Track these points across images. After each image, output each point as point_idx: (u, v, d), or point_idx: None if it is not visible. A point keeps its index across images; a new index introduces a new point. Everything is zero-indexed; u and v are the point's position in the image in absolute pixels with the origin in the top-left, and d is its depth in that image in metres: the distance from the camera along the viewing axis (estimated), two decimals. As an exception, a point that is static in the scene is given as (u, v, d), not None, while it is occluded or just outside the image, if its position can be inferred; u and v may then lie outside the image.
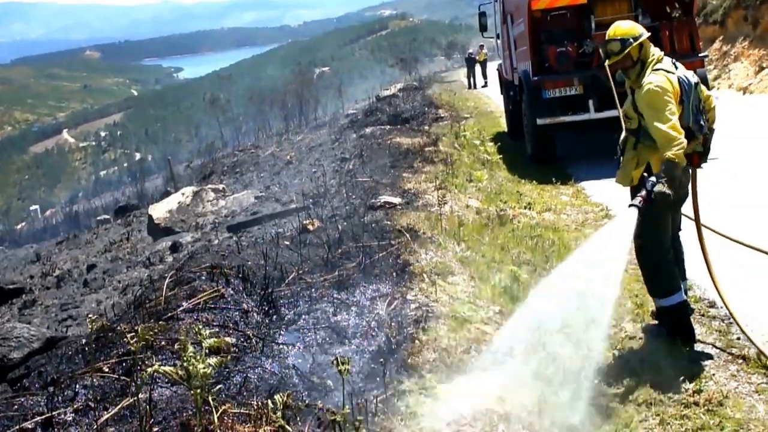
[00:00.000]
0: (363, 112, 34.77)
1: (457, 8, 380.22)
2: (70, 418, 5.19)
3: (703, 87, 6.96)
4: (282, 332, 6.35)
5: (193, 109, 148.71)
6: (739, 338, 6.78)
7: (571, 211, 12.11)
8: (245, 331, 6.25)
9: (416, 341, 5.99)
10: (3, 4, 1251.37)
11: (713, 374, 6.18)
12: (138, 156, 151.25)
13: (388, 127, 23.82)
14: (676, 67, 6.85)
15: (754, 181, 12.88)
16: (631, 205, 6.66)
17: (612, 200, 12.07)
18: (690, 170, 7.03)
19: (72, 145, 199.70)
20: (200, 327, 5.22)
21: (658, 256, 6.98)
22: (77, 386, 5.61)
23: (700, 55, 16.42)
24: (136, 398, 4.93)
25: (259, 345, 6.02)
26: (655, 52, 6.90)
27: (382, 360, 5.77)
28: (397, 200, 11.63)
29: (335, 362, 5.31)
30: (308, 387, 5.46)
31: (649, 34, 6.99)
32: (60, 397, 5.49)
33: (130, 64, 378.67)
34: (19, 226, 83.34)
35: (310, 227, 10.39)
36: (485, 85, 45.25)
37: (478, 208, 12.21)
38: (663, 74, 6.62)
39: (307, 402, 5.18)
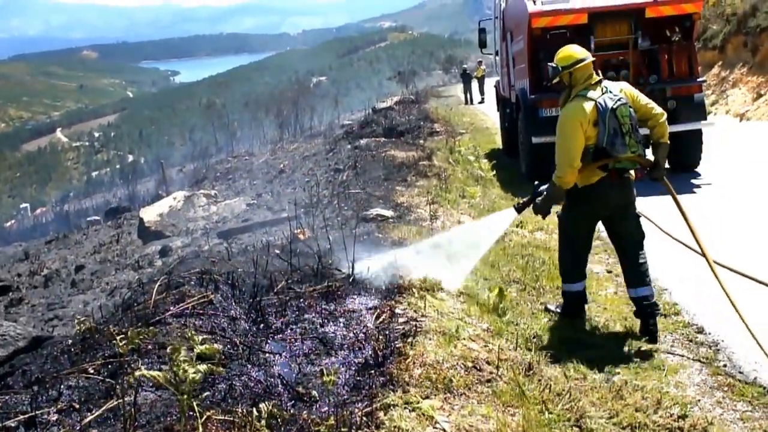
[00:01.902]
0: (358, 123, 34.86)
1: (457, 23, 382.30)
2: (54, 418, 5.16)
3: (651, 107, 7.72)
4: (269, 341, 6.35)
5: (188, 113, 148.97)
6: (725, 365, 6.79)
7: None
8: (232, 338, 6.25)
9: (403, 355, 5.99)
10: (3, 0, 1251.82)
11: (699, 400, 6.17)
12: (131, 158, 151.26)
13: (383, 139, 23.88)
14: (606, 91, 7.50)
15: (748, 206, 13.06)
16: (514, 206, 8.53)
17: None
18: (622, 184, 7.81)
19: (65, 145, 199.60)
20: (192, 332, 5.23)
21: (565, 242, 8.25)
22: (62, 386, 5.57)
23: (698, 79, 16.52)
24: (121, 401, 4.93)
25: (245, 353, 6.01)
26: (588, 77, 7.63)
27: (367, 373, 5.77)
28: (389, 213, 11.66)
29: (321, 373, 5.33)
30: (293, 397, 5.43)
31: (590, 60, 7.67)
32: (44, 397, 5.46)
33: (127, 66, 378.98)
34: (8, 224, 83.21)
35: (301, 237, 10.41)
36: (482, 102, 45.46)
37: (469, 224, 12.26)
38: (579, 102, 7.46)
39: (291, 412, 5.15)
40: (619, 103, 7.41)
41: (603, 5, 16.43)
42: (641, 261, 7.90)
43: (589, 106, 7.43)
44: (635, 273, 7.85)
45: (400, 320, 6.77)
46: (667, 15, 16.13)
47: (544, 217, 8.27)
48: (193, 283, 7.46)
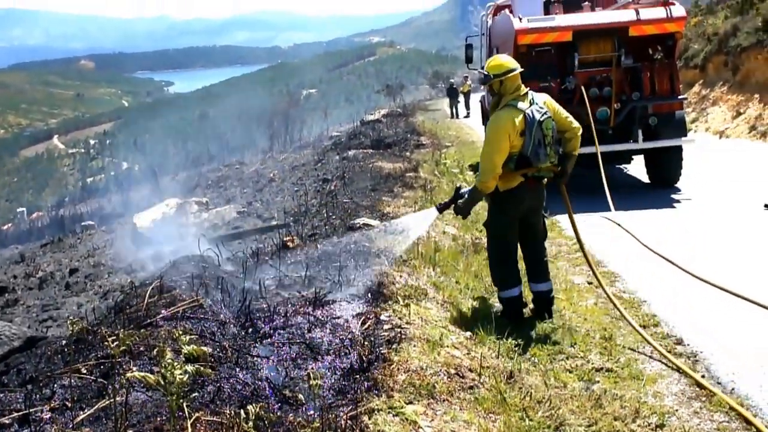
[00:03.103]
0: (347, 135, 34.99)
1: (444, 39, 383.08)
2: (47, 416, 5.23)
3: (570, 121, 8.22)
4: (257, 345, 6.44)
5: (181, 122, 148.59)
6: (704, 376, 6.84)
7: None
8: (221, 341, 6.34)
9: (388, 361, 6.09)
10: (4, 10, 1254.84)
11: (676, 410, 6.22)
12: (125, 165, 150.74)
13: (371, 151, 24.03)
14: (533, 103, 7.86)
15: (726, 221, 13.30)
16: (435, 206, 8.98)
17: (586, 233, 12.26)
18: (537, 188, 8.34)
19: (62, 151, 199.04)
20: (180, 334, 5.34)
21: (498, 251, 8.53)
22: (55, 385, 5.65)
23: (679, 97, 16.66)
24: (113, 401, 5.03)
25: (234, 356, 6.10)
26: (517, 88, 7.94)
27: (353, 377, 5.88)
28: (375, 222, 11.77)
29: (308, 377, 5.43)
30: (280, 400, 5.53)
31: (519, 71, 7.99)
32: (38, 395, 5.54)
33: (123, 76, 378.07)
34: (5, 227, 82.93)
35: (290, 244, 10.52)
36: (467, 116, 45.62)
37: (454, 235, 12.38)
38: (508, 111, 7.80)
39: (278, 414, 5.26)
40: (545, 116, 7.89)
41: (587, 23, 16.57)
42: (545, 258, 8.75)
43: (518, 116, 7.79)
44: (538, 268, 8.60)
45: (385, 327, 6.88)
46: (649, 34, 16.25)
47: (464, 218, 8.80)
48: (184, 287, 7.57)
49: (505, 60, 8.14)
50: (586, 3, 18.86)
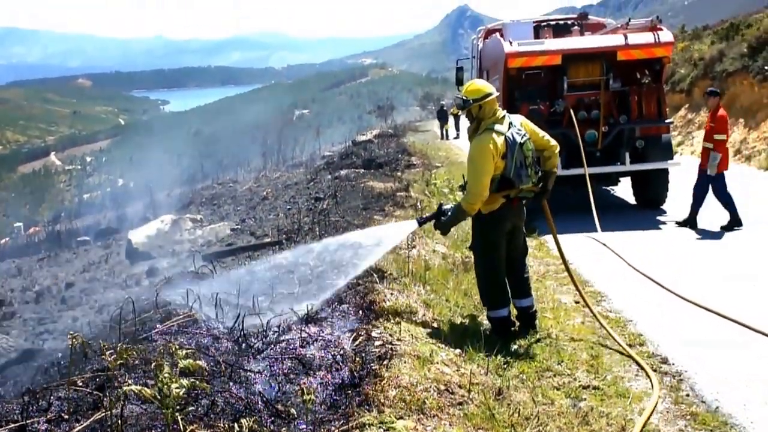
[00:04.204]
0: (339, 154, 35.00)
1: (435, 62, 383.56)
2: (44, 428, 5.31)
3: (547, 139, 8.45)
4: (250, 360, 6.52)
5: (176, 140, 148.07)
6: (688, 395, 6.95)
7: (533, 263, 12.31)
8: (215, 356, 6.42)
9: (379, 377, 6.17)
10: (4, 29, 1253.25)
11: (661, 429, 6.31)
12: (121, 182, 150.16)
13: (363, 170, 24.14)
14: (512, 126, 8.06)
15: (710, 241, 13.68)
16: (417, 220, 9.03)
17: (572, 254, 12.39)
18: (518, 208, 8.49)
19: (58, 168, 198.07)
20: (176, 348, 5.42)
21: (486, 271, 8.62)
22: (51, 397, 5.72)
23: (666, 121, 16.84)
24: (109, 413, 5.11)
25: (227, 370, 6.18)
26: (495, 112, 8.10)
27: (344, 393, 5.96)
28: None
29: (300, 392, 5.51)
30: (272, 414, 5.60)
31: (497, 95, 8.21)
32: (34, 407, 5.61)
33: (119, 94, 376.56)
34: (2, 242, 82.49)
35: (278, 255, 10.62)
36: (457, 137, 45.78)
37: (444, 253, 12.47)
38: (490, 135, 7.93)
39: (271, 428, 5.34)
40: (525, 138, 8.07)
41: (576, 47, 16.78)
42: (526, 275, 8.89)
43: (500, 140, 7.97)
44: (521, 285, 8.76)
45: (376, 343, 6.95)
46: (637, 58, 16.41)
47: (444, 235, 9.12)
48: (178, 302, 7.66)
49: (482, 85, 8.32)
50: (576, 27, 19.10)
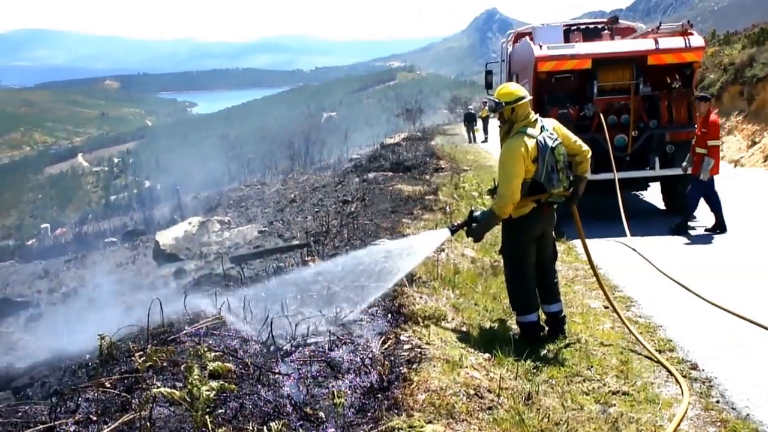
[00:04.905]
0: (367, 157, 35.00)
1: (463, 66, 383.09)
2: (72, 429, 5.29)
3: (579, 144, 8.41)
4: (278, 362, 6.51)
5: (203, 143, 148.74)
6: (719, 401, 6.88)
7: (562, 267, 12.22)
8: (244, 358, 6.41)
9: (407, 381, 6.15)
10: (30, 31, 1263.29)
11: (692, 434, 6.22)
12: (148, 184, 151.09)
13: (391, 173, 24.15)
14: (543, 130, 8.03)
15: (739, 247, 13.57)
16: (448, 227, 8.97)
17: (602, 259, 12.33)
18: (549, 213, 8.47)
19: (86, 169, 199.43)
20: (205, 350, 5.41)
21: (516, 277, 8.61)
22: (80, 399, 5.72)
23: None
24: (137, 415, 5.10)
25: (256, 373, 6.16)
26: (527, 115, 8.09)
27: (373, 396, 5.94)
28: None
29: (330, 395, 5.49)
30: (301, 417, 5.59)
31: (529, 98, 8.18)
32: (62, 408, 5.60)
33: (146, 96, 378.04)
34: (29, 243, 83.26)
35: (311, 264, 10.60)
36: (485, 141, 45.64)
37: (473, 257, 12.45)
38: (521, 138, 7.90)
39: None
40: (556, 142, 8.03)
41: (606, 52, 16.68)
42: (555, 280, 8.90)
43: (531, 143, 7.94)
44: (550, 290, 8.75)
45: (405, 347, 6.94)
46: (668, 63, 16.29)
47: (476, 241, 9.20)
48: (206, 304, 7.65)
49: (515, 88, 8.28)
50: (606, 31, 18.99)
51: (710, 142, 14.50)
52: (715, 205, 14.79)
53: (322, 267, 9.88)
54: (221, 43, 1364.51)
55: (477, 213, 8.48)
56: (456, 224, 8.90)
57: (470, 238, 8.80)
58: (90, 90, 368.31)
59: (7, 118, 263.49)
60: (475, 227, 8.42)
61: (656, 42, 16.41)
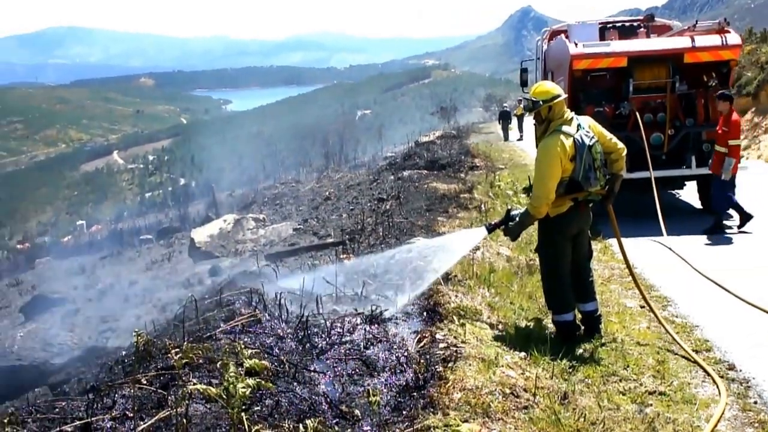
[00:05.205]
0: (401, 155, 34.97)
1: (497, 63, 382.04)
2: (108, 425, 5.34)
3: (615, 142, 8.37)
4: (314, 360, 6.52)
5: (238, 140, 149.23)
6: (756, 402, 6.83)
7: (597, 266, 12.16)
8: (279, 356, 6.42)
9: (443, 379, 6.15)
10: (66, 29, 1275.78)
11: (730, 435, 6.17)
12: (182, 181, 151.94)
13: (425, 171, 24.10)
14: (580, 128, 8.00)
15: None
16: (485, 226, 8.92)
17: (638, 258, 12.26)
18: (585, 212, 8.43)
19: (121, 166, 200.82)
20: (241, 348, 5.42)
21: (552, 275, 8.56)
22: (116, 395, 5.77)
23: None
24: (175, 412, 5.13)
25: (291, 371, 6.18)
26: (563, 114, 8.05)
27: (408, 395, 5.94)
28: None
29: (365, 393, 5.50)
30: (336, 415, 5.60)
31: (565, 97, 8.16)
32: (99, 405, 5.65)
33: (181, 93, 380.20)
34: (65, 239, 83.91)
35: (347, 261, 10.62)
36: (520, 139, 45.38)
37: (508, 256, 12.41)
38: (558, 137, 7.86)
39: (336, 430, 5.34)
40: (593, 140, 8.01)
41: (643, 50, 16.59)
42: (591, 279, 8.83)
43: (568, 141, 7.93)
44: (585, 289, 8.68)
45: (441, 345, 6.94)
46: (705, 61, 16.15)
47: (513, 240, 9.10)
48: (242, 302, 7.68)
49: (551, 86, 8.28)
50: (642, 29, 18.86)
51: (731, 142, 14.41)
52: (725, 206, 14.78)
53: (358, 264, 9.90)
54: (255, 40, 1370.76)
55: (514, 212, 8.46)
56: (493, 223, 8.88)
57: (507, 237, 8.77)
58: (125, 87, 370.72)
59: (43, 115, 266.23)
60: (511, 226, 8.41)
61: (693, 40, 16.28)
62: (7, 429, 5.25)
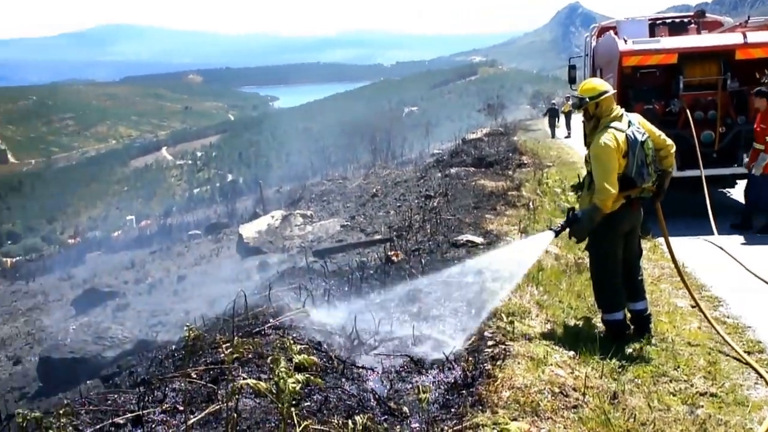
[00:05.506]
0: (448, 152, 34.83)
1: (545, 60, 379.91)
2: (159, 418, 5.43)
3: (664, 138, 8.26)
4: (362, 356, 6.54)
5: (285, 136, 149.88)
6: None
7: (647, 265, 11.99)
8: (328, 352, 6.45)
9: (492, 377, 6.13)
10: (116, 26, 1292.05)
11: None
12: (230, 177, 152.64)
13: (473, 169, 24.02)
14: (631, 124, 7.92)
15: None
16: (550, 229, 8.62)
17: (688, 257, 12.14)
18: (637, 209, 8.36)
19: (169, 162, 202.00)
20: (291, 343, 5.45)
21: (603, 274, 8.44)
22: (166, 388, 5.84)
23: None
24: (225, 406, 5.17)
25: (340, 367, 6.20)
26: (612, 110, 7.99)
27: (457, 392, 5.93)
28: (479, 240, 11.83)
29: (414, 391, 5.50)
30: (385, 412, 5.61)
31: (613, 92, 8.08)
32: (150, 397, 5.74)
33: (229, 90, 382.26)
34: (115, 234, 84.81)
35: (394, 258, 10.62)
36: (568, 136, 45.03)
37: (557, 254, 12.32)
38: (612, 133, 7.80)
39: (384, 426, 5.34)
40: (645, 136, 7.96)
41: (693, 46, 16.41)
42: (640, 278, 8.73)
43: (621, 137, 7.86)
44: (635, 288, 8.58)
45: (489, 343, 6.93)
46: (757, 57, 15.92)
47: (579, 241, 8.68)
48: (290, 297, 7.71)
49: (598, 83, 8.23)
50: (692, 26, 18.68)
51: None
52: (753, 204, 14.70)
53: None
54: (301, 37, 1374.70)
55: (577, 212, 8.33)
56: (558, 226, 8.73)
57: (572, 239, 8.65)
58: (174, 84, 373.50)
59: (93, 112, 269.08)
60: (578, 226, 8.18)
61: (744, 36, 16.07)
62: (62, 420, 5.32)
